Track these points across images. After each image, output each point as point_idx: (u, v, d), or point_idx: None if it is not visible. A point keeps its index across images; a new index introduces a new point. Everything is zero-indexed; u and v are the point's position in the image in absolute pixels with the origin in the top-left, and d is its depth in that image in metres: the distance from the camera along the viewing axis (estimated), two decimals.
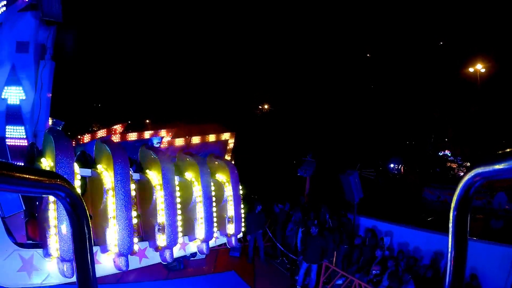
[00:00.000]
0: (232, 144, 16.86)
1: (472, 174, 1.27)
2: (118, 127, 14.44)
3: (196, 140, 16.04)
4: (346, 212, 15.92)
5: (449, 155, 41.30)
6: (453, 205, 1.37)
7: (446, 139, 41.20)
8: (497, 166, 1.14)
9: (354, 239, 14.05)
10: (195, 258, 13.87)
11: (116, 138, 13.81)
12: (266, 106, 47.32)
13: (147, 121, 36.27)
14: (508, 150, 1.11)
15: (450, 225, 1.38)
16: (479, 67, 33.47)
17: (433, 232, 13.40)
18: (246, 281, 13.52)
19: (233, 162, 16.13)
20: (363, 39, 40.36)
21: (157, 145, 14.63)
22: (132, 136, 14.38)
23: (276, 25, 41.07)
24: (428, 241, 13.15)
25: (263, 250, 15.32)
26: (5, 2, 8.97)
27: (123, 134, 14.23)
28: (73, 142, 11.75)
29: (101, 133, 14.60)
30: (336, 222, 14.88)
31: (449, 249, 1.39)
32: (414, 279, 10.99)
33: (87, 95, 38.34)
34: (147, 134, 15.16)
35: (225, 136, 16.78)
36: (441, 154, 41.99)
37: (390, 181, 35.96)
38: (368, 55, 42.97)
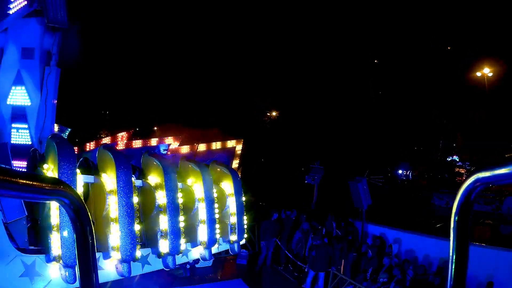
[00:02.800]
0: (240, 151, 16.83)
1: (473, 180, 1.27)
2: (123, 134, 14.46)
3: (203, 147, 16.04)
4: (354, 220, 15.78)
5: (458, 160, 40.99)
6: (454, 210, 1.38)
7: (454, 144, 40.96)
8: (497, 172, 1.15)
9: (361, 246, 13.93)
10: (201, 266, 13.84)
11: (121, 145, 13.84)
12: (274, 113, 47.33)
13: (155, 128, 36.45)
14: (508, 155, 1.10)
15: (451, 230, 1.39)
16: (487, 71, 33.28)
17: (441, 238, 13.26)
18: None
19: (241, 169, 16.16)
20: (371, 45, 40.35)
21: (164, 152, 14.63)
22: (138, 143, 14.40)
23: (286, 32, 41.20)
24: (437, 248, 13.01)
25: (271, 257, 15.22)
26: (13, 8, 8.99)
27: (129, 141, 14.25)
28: (76, 149, 11.78)
29: (107, 140, 14.63)
30: (344, 230, 14.76)
31: (450, 254, 1.40)
32: (422, 286, 10.86)
33: (95, 102, 38.57)
34: (153, 141, 15.18)
35: (233, 143, 16.78)
36: (449, 159, 41.71)
37: (398, 187, 35.77)
38: (376, 61, 42.91)
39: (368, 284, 12.17)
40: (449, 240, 1.40)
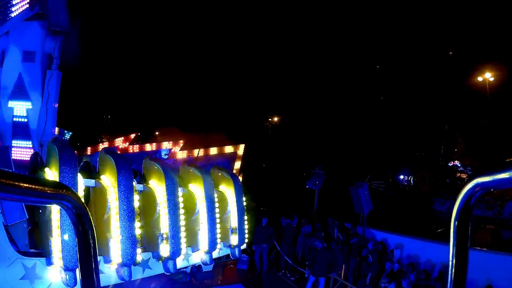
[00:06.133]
0: (242, 156, 16.81)
1: (473, 185, 1.28)
2: (124, 139, 14.47)
3: (204, 152, 16.03)
4: (355, 225, 15.70)
5: (459, 165, 40.84)
6: (454, 215, 1.38)
7: (456, 150, 40.80)
8: (497, 176, 1.15)
9: (362, 251, 13.87)
10: (201, 270, 13.80)
11: (123, 150, 13.85)
12: (276, 118, 47.33)
13: (156, 132, 36.51)
14: (508, 160, 1.11)
15: (451, 235, 1.39)
16: (488, 76, 33.26)
17: (443, 243, 13.21)
18: None
19: (242, 174, 16.13)
20: (372, 50, 40.33)
21: (165, 157, 14.63)
22: (139, 148, 14.41)
23: (287, 37, 41.26)
24: (438, 253, 12.96)
25: (267, 264, 15.12)
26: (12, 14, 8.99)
27: (129, 145, 14.25)
28: (77, 153, 11.77)
29: (107, 144, 14.64)
30: (345, 235, 14.69)
31: (450, 259, 1.40)
32: None
33: (97, 106, 38.62)
34: (154, 146, 15.19)
35: (234, 148, 16.75)
36: (451, 164, 41.55)
37: (400, 192, 35.72)
38: (377, 66, 42.91)
39: None
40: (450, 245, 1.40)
